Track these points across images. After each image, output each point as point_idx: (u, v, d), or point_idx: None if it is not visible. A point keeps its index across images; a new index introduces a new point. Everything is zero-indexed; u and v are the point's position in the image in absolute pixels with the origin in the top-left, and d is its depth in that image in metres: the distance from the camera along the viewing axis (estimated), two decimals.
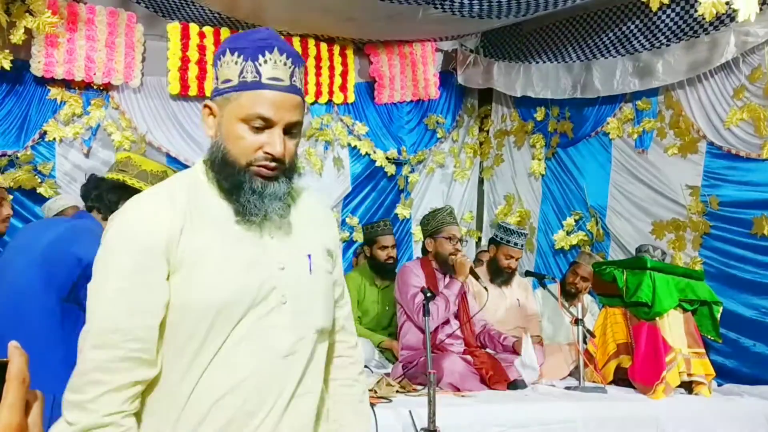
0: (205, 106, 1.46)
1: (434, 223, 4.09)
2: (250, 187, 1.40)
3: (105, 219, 2.30)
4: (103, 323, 1.33)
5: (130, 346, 1.32)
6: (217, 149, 1.43)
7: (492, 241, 4.81)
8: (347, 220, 6.25)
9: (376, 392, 3.10)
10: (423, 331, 3.31)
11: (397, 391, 3.25)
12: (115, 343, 1.31)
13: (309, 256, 1.50)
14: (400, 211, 6.46)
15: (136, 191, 2.30)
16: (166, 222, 1.36)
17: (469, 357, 3.75)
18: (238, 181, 1.40)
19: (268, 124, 1.39)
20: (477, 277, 4.07)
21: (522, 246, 4.69)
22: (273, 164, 1.41)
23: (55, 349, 2.12)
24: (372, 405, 2.76)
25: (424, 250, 4.18)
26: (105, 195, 2.31)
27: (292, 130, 1.43)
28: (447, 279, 4.02)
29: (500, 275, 4.64)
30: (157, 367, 1.36)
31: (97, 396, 1.30)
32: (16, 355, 0.72)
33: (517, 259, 4.66)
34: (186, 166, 5.54)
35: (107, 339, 1.32)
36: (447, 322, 3.92)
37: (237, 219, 1.42)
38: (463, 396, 3.38)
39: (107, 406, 1.31)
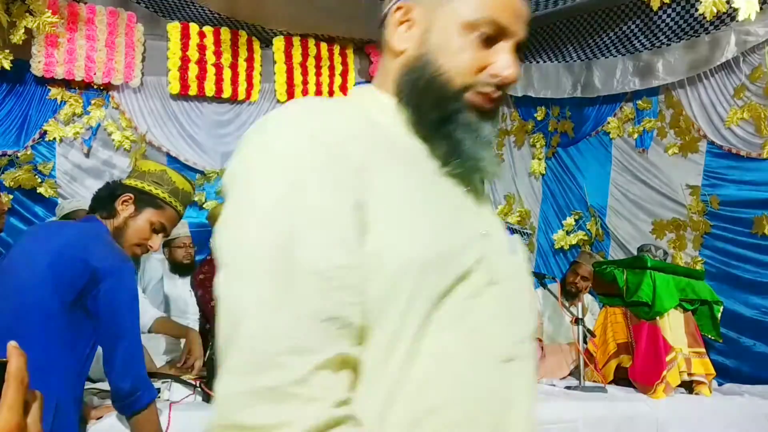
0: (398, 8, 1.02)
1: None
2: (463, 121, 0.98)
3: (103, 218, 2.30)
4: (304, 257, 0.80)
5: (337, 296, 0.80)
6: (419, 67, 0.99)
7: None
8: None
9: None
10: None
11: None
12: (318, 288, 0.79)
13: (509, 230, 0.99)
14: None
15: (129, 188, 2.32)
16: (353, 137, 0.89)
17: None
18: (449, 111, 0.98)
19: (499, 35, 1.00)
20: None
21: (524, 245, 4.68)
22: (498, 93, 1.01)
23: (56, 352, 2.10)
24: None
25: None
26: (102, 193, 2.33)
27: (519, 51, 1.04)
28: None
29: None
30: (360, 345, 0.84)
31: (312, 371, 0.77)
32: (14, 355, 0.72)
33: None
34: (186, 166, 5.56)
35: (305, 283, 0.79)
36: None
37: (440, 164, 0.98)
38: None
39: (333, 389, 0.79)
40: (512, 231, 4.67)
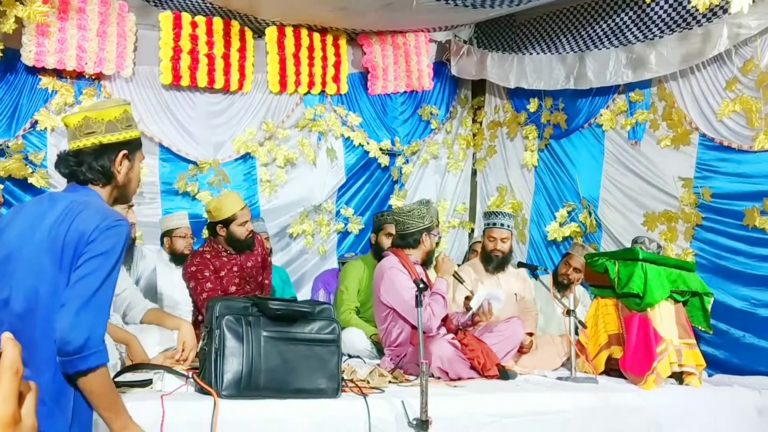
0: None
1: (429, 218, 4.03)
2: None
3: (104, 186, 2.20)
4: None
5: None
6: None
7: (482, 232, 4.83)
8: (342, 211, 6.24)
9: (368, 382, 3.11)
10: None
11: (390, 382, 3.26)
12: None
13: None
14: (394, 202, 6.45)
15: (117, 145, 2.19)
16: None
17: (457, 342, 3.76)
18: None
19: None
20: (461, 281, 4.06)
21: (505, 226, 4.62)
22: None
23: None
24: (365, 395, 2.77)
25: (404, 243, 4.05)
26: (94, 164, 2.18)
27: None
28: (423, 272, 4.02)
29: (490, 261, 4.62)
30: None
31: None
32: (9, 346, 0.72)
33: (502, 240, 4.58)
34: (179, 157, 5.56)
35: None
36: None
37: None
38: (455, 386, 3.40)
39: None
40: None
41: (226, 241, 4.23)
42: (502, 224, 4.61)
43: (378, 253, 4.89)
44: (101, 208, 2.10)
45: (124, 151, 2.20)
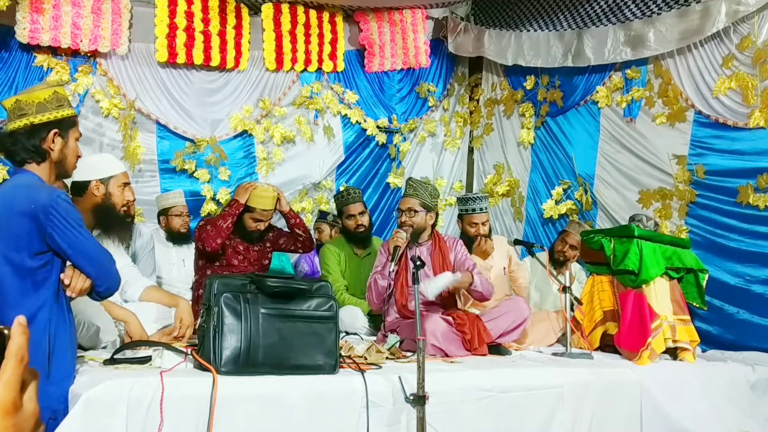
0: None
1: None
2: None
3: (39, 164, 2.39)
4: None
5: None
6: None
7: (458, 218, 4.81)
8: (341, 189, 6.23)
9: (366, 359, 3.14)
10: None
11: (387, 358, 3.29)
12: None
13: None
14: (392, 180, 6.46)
15: (48, 124, 2.38)
16: None
17: (449, 318, 3.78)
18: None
19: None
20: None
21: (484, 209, 4.63)
22: None
23: (39, 299, 2.26)
24: (362, 371, 2.80)
25: None
26: (27, 143, 2.36)
27: None
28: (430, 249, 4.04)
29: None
30: None
31: None
32: (18, 332, 0.73)
33: (483, 224, 4.59)
34: (176, 134, 5.55)
35: None
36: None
37: None
38: (451, 362, 3.43)
39: None
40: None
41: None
42: (481, 209, 4.61)
43: (347, 236, 4.91)
44: (35, 188, 2.31)
45: (55, 130, 2.38)
